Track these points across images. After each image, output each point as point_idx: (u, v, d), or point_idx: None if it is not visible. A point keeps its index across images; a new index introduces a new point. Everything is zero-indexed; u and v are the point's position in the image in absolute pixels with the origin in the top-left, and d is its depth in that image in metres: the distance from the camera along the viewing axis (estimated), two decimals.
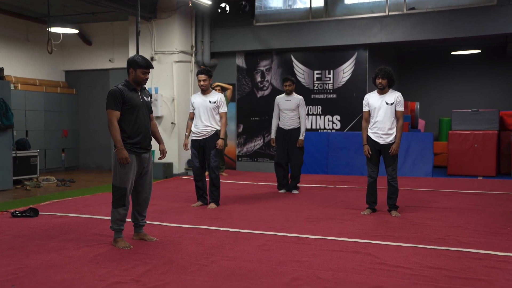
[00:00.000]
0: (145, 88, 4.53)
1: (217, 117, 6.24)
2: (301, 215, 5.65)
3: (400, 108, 5.70)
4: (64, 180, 9.20)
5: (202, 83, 6.19)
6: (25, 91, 10.70)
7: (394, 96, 5.70)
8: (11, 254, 4.02)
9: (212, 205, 6.20)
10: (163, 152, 4.79)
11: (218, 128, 6.23)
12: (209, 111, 6.18)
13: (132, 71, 4.29)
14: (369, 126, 5.83)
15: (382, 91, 5.74)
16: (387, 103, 5.66)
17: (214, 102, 6.20)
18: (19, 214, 5.46)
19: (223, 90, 9.51)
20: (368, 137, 5.82)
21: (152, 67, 4.40)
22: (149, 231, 4.76)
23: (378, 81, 5.70)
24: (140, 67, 4.27)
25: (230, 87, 9.66)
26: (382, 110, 5.67)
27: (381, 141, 5.73)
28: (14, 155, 8.64)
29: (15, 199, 7.24)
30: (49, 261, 3.81)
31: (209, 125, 6.17)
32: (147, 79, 4.37)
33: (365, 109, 5.90)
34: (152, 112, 4.56)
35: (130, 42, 10.37)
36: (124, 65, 11.02)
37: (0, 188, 8.10)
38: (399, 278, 3.36)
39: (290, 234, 4.67)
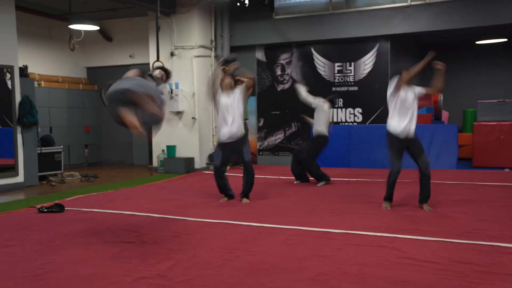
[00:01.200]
0: None
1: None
2: (324, 209, 5.61)
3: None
4: (87, 175, 9.32)
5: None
6: (49, 88, 10.85)
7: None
8: (39, 249, 4.08)
9: (246, 200, 6.18)
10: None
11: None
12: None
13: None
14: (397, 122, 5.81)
15: None
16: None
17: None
18: (45, 210, 5.54)
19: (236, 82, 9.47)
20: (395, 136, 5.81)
21: None
22: (173, 226, 4.78)
23: None
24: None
25: (249, 78, 9.54)
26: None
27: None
28: (39, 151, 8.78)
29: (40, 195, 7.36)
30: (75, 256, 3.86)
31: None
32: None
33: None
34: None
35: (150, 38, 10.41)
36: (145, 60, 11.08)
37: (27, 183, 8.24)
38: (427, 273, 3.30)
39: (314, 229, 4.63)
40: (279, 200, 6.29)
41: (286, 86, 10.94)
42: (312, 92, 10.69)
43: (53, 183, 8.48)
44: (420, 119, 10.07)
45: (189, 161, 10.06)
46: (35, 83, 10.38)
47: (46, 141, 9.42)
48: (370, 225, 4.74)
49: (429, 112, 10.42)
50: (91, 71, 12.48)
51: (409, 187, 7.15)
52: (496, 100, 10.00)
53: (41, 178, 8.83)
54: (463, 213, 5.26)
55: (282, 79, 10.99)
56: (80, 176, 9.28)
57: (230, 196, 6.37)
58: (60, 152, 9.49)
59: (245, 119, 9.84)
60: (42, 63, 11.13)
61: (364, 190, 6.96)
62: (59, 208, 5.55)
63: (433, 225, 4.70)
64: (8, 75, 8.04)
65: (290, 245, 4.09)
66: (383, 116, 10.15)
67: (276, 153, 11.06)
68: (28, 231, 4.71)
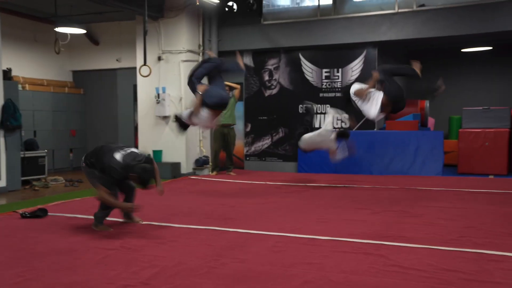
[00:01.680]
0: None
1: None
2: (311, 216, 5.58)
3: None
4: (72, 180, 9.19)
5: None
6: (33, 92, 10.71)
7: None
8: (20, 255, 3.99)
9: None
10: (159, 193, 5.08)
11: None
12: None
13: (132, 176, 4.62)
14: None
15: None
16: None
17: None
18: (28, 215, 5.43)
19: (230, 89, 9.47)
20: None
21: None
22: (158, 233, 4.72)
23: None
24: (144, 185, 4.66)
25: (238, 86, 9.61)
26: None
27: None
28: (22, 155, 8.64)
29: (23, 200, 7.23)
30: (57, 263, 3.77)
31: None
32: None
33: None
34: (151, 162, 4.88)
35: (138, 42, 10.33)
36: (131, 64, 11.00)
37: (9, 188, 8.10)
38: (413, 281, 3.28)
39: (301, 235, 4.60)
40: (266, 206, 6.25)
41: (274, 91, 10.93)
42: (299, 97, 10.71)
43: (36, 188, 8.35)
44: (406, 126, 10.18)
45: (176, 166, 9.98)
46: (19, 86, 10.24)
47: (29, 145, 9.28)
48: (357, 232, 4.71)
49: (415, 119, 10.48)
50: (77, 75, 12.35)
51: (396, 193, 7.17)
52: (481, 108, 10.09)
53: (24, 182, 8.69)
54: (450, 220, 5.27)
55: (269, 84, 10.98)
56: (64, 181, 9.15)
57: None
58: (44, 156, 9.36)
59: (233, 124, 9.81)
60: (27, 66, 10.99)
61: (351, 197, 6.95)
62: (42, 212, 5.45)
63: (420, 232, 4.69)
64: None
65: (277, 252, 4.05)
66: (371, 122, 10.18)
67: (263, 159, 11.03)
68: (9, 237, 4.60)
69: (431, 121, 12.06)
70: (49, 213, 5.60)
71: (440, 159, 9.57)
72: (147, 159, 4.78)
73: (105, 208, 4.85)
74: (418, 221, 5.24)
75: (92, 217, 5.51)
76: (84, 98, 12.19)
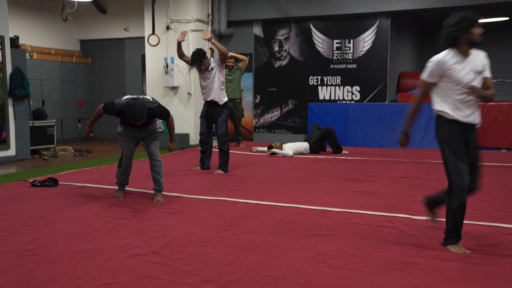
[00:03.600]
0: (155, 123, 4.83)
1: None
2: (322, 188, 5.53)
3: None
4: (81, 150, 9.18)
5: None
6: (41, 61, 10.62)
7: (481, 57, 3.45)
8: (31, 223, 3.98)
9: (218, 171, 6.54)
10: (168, 149, 5.05)
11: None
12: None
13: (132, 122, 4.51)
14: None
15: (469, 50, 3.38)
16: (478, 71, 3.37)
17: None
18: (38, 184, 5.42)
19: (236, 61, 9.36)
20: (453, 121, 3.33)
21: (139, 121, 4.42)
22: (168, 203, 4.70)
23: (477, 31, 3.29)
24: (129, 124, 4.64)
25: (245, 58, 9.44)
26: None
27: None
28: (31, 124, 8.61)
29: (33, 169, 7.23)
30: (68, 231, 3.76)
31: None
32: (138, 125, 4.62)
33: (432, 79, 3.41)
34: (167, 117, 4.82)
35: (146, 11, 10.15)
36: (140, 34, 10.85)
37: (19, 157, 8.10)
38: (428, 255, 3.22)
39: (312, 207, 4.55)
40: (276, 178, 6.20)
41: (284, 62, 10.77)
42: (310, 69, 10.54)
43: (45, 157, 8.34)
44: None
45: (184, 137, 9.93)
46: (27, 54, 10.15)
47: (38, 114, 9.24)
48: (369, 204, 4.66)
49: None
50: (84, 44, 12.22)
51: (407, 166, 7.09)
52: (495, 80, 9.88)
53: (33, 152, 8.69)
54: None
55: (279, 55, 10.80)
56: (73, 151, 9.14)
57: (204, 165, 6.82)
58: (52, 126, 9.33)
59: (239, 98, 9.65)
60: (34, 35, 10.86)
61: (362, 169, 6.88)
62: (53, 182, 5.43)
63: None
64: None
65: (288, 223, 4.01)
66: (382, 94, 10.04)
67: (272, 131, 10.94)
68: (20, 205, 4.59)
69: None
70: (59, 183, 5.57)
71: None
72: (160, 107, 4.69)
73: (120, 165, 4.90)
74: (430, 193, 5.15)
75: (100, 186, 5.50)
76: (92, 68, 12.09)
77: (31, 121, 8.64)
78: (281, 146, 8.58)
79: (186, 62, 6.63)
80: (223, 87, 6.56)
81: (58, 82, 11.09)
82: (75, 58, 11.67)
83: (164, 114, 4.74)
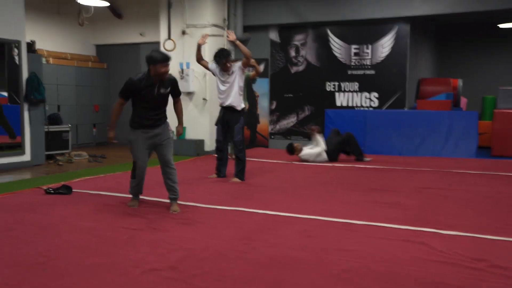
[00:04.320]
0: (169, 77, 4.61)
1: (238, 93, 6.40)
2: (342, 198, 5.34)
3: None
4: (95, 155, 9.10)
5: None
6: (57, 65, 10.60)
7: None
8: (43, 233, 3.86)
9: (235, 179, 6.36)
10: (177, 133, 4.98)
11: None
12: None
13: (152, 67, 4.39)
14: None
15: None
16: None
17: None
18: (52, 191, 5.32)
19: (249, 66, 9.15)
20: None
21: (170, 59, 4.46)
22: (184, 213, 4.56)
23: None
24: (158, 62, 4.37)
25: (259, 68, 9.03)
26: None
27: None
28: (46, 129, 8.56)
29: (47, 174, 7.15)
30: (81, 242, 3.63)
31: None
32: (167, 71, 4.48)
33: None
34: (179, 95, 4.79)
35: (161, 15, 10.08)
36: (155, 39, 10.76)
37: (33, 162, 8.04)
38: (461, 273, 3.02)
39: (333, 219, 4.37)
40: (294, 187, 6.03)
41: (300, 68, 10.61)
42: (327, 75, 10.36)
43: (60, 163, 8.28)
44: (438, 105, 9.78)
45: (199, 143, 9.81)
46: (43, 59, 10.14)
47: (53, 119, 9.19)
48: (393, 216, 4.47)
49: (448, 98, 10.06)
50: (100, 49, 12.19)
51: (429, 175, 6.86)
52: None
53: (48, 157, 8.63)
54: (491, 204, 4.97)
55: (296, 61, 10.65)
56: (88, 156, 9.07)
57: (220, 173, 6.64)
58: (67, 131, 9.27)
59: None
60: (51, 39, 10.85)
61: (382, 178, 6.68)
62: (66, 189, 5.33)
63: (460, 218, 4.42)
64: (16, 51, 7.79)
65: (309, 236, 3.84)
66: (401, 101, 9.82)
67: (288, 137, 10.77)
68: (33, 214, 4.49)
69: (463, 101, 11.61)
70: (73, 190, 5.47)
71: (474, 140, 9.19)
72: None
73: (133, 176, 4.74)
74: (456, 205, 4.95)
75: (115, 194, 5.39)
76: (108, 73, 12.05)
77: (46, 126, 8.59)
78: (301, 151, 8.41)
79: (204, 66, 6.50)
80: (241, 93, 6.40)
81: (73, 87, 11.07)
82: (90, 63, 11.64)
83: (179, 90, 4.78)
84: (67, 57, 11.07)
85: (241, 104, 6.37)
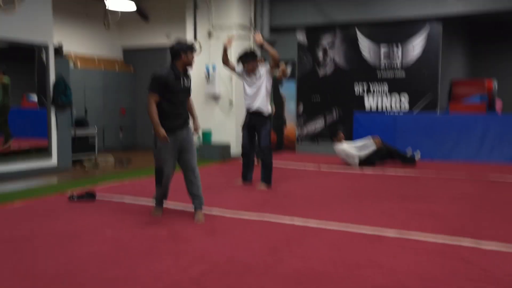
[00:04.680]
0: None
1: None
2: (372, 207, 5.11)
3: None
4: (121, 160, 9.07)
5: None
6: (84, 69, 10.64)
7: None
8: (64, 243, 3.77)
9: (261, 186, 6.17)
10: (196, 128, 4.72)
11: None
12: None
13: (184, 56, 4.34)
14: None
15: None
16: None
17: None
18: (75, 198, 5.25)
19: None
20: None
21: (195, 50, 4.52)
22: (208, 222, 4.41)
23: None
24: (190, 49, 4.37)
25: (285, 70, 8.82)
26: None
27: None
28: (73, 133, 8.57)
29: (73, 179, 7.13)
30: (102, 253, 3.52)
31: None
32: (191, 64, 4.49)
33: None
34: (190, 94, 4.62)
35: (187, 17, 10.01)
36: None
37: (60, 167, 8.04)
38: None
39: (364, 230, 4.15)
40: (322, 194, 5.82)
41: (328, 70, 10.37)
42: (355, 77, 10.10)
43: (86, 168, 8.27)
44: (472, 108, 9.40)
45: (225, 148, 9.68)
46: (71, 63, 10.19)
47: (80, 123, 9.21)
48: (428, 228, 4.22)
49: (482, 101, 9.67)
50: (127, 52, 12.21)
51: (465, 182, 6.54)
52: None
53: (75, 161, 8.63)
54: None
55: (324, 62, 10.42)
56: (114, 160, 9.04)
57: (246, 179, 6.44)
58: (94, 135, 9.27)
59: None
60: (78, 42, 10.90)
61: (414, 185, 6.40)
62: (90, 196, 5.26)
63: (502, 230, 4.13)
64: (44, 54, 7.81)
65: (339, 249, 3.64)
66: (432, 103, 9.49)
67: (316, 141, 10.54)
68: (55, 222, 4.41)
69: (498, 103, 11.16)
70: (97, 196, 5.40)
71: (511, 145, 8.78)
72: None
73: (158, 182, 4.56)
74: (497, 216, 4.67)
75: (139, 202, 5.29)
76: (134, 76, 12.06)
77: (73, 130, 8.59)
78: (341, 142, 8.29)
79: (231, 69, 6.36)
80: (269, 97, 6.22)
81: (100, 91, 11.10)
82: (117, 67, 11.67)
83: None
84: (94, 61, 11.11)
85: (268, 108, 6.20)
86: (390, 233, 4.05)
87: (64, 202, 5.26)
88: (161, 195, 4.68)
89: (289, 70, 10.43)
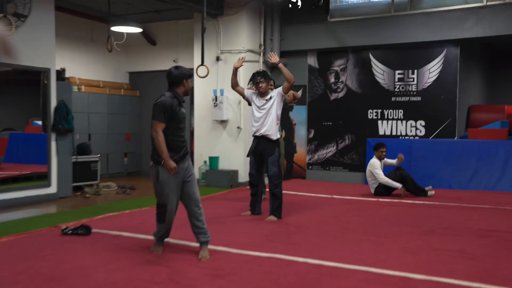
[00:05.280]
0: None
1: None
2: (394, 243, 4.65)
3: None
4: (124, 187, 8.70)
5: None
6: (89, 93, 10.38)
7: None
8: (51, 286, 3.35)
9: (271, 217, 5.73)
10: None
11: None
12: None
13: (186, 82, 4.18)
14: None
15: None
16: None
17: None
18: (69, 232, 4.85)
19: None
20: None
21: (192, 76, 4.37)
22: (213, 260, 3.97)
23: None
24: (191, 76, 4.24)
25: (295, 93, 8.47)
26: None
27: None
28: (74, 160, 8.22)
29: (73, 208, 6.75)
30: None
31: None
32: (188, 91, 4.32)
33: None
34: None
35: (195, 41, 9.74)
36: (189, 65, 10.40)
37: (60, 195, 7.68)
38: None
39: (388, 271, 3.69)
40: (338, 227, 5.37)
41: (340, 94, 10.01)
42: (369, 102, 9.72)
43: (87, 195, 7.89)
44: (492, 134, 8.95)
45: (233, 174, 9.28)
46: (75, 87, 9.94)
47: (82, 149, 8.86)
48: (459, 270, 3.75)
49: (503, 127, 9.21)
50: (133, 76, 11.97)
51: (490, 214, 6.06)
52: None
53: (76, 188, 8.27)
54: None
55: (335, 87, 10.07)
56: (116, 188, 8.67)
57: (255, 210, 6.01)
58: (96, 161, 8.92)
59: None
60: (84, 67, 10.68)
61: (436, 217, 5.93)
62: (85, 230, 4.84)
63: None
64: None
65: None
66: (450, 129, 9.06)
67: (327, 168, 10.11)
68: (44, 261, 3.97)
69: None
70: (93, 230, 4.98)
71: None
72: None
73: (161, 220, 4.16)
74: None
75: (137, 235, 4.88)
76: (140, 101, 11.78)
77: (74, 157, 8.25)
78: (380, 157, 7.78)
79: (239, 93, 6.00)
80: (278, 122, 5.83)
81: (105, 115, 10.81)
82: (123, 91, 11.41)
83: None
84: (100, 85, 10.85)
85: (277, 134, 5.80)
86: (418, 275, 3.59)
87: (57, 236, 4.84)
88: (163, 233, 4.28)
89: (299, 93, 10.08)
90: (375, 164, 7.63)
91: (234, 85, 5.95)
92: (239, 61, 5.85)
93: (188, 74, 4.19)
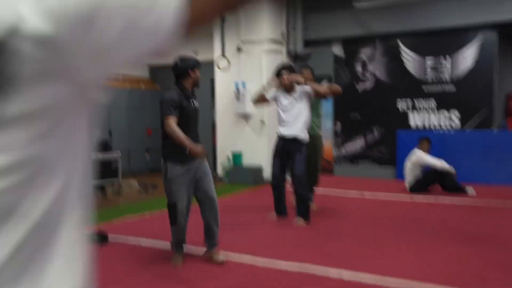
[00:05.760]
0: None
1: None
2: (438, 252, 4.21)
3: None
4: (146, 185, 8.43)
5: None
6: (109, 88, 10.12)
7: None
8: None
9: (299, 221, 5.31)
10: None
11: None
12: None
13: (192, 73, 3.97)
14: None
15: None
16: None
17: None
18: None
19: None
20: None
21: (199, 67, 4.14)
22: (236, 273, 3.63)
23: None
24: (197, 65, 4.04)
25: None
26: None
27: None
28: (94, 157, 7.97)
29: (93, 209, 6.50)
30: None
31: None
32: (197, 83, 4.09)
33: None
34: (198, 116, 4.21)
35: (215, 31, 9.37)
36: (209, 57, 10.03)
37: None
38: None
39: (437, 286, 3.30)
40: (373, 233, 4.96)
41: (368, 85, 9.52)
42: (398, 92, 9.23)
43: (108, 195, 7.66)
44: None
45: (257, 171, 8.92)
46: None
47: (103, 146, 8.63)
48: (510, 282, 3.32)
49: None
50: (153, 70, 11.69)
51: None
52: None
53: (97, 187, 8.04)
54: None
55: (363, 77, 9.58)
56: (138, 186, 8.41)
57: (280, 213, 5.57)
58: (117, 159, 8.66)
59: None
60: None
61: (479, 221, 5.46)
62: (101, 239, 4.55)
63: None
64: None
65: None
66: (487, 120, 8.50)
67: (355, 162, 9.66)
68: None
69: None
70: (110, 236, 4.69)
71: None
72: None
73: (173, 222, 3.89)
74: None
75: (157, 244, 4.56)
76: (160, 95, 11.49)
77: (94, 155, 8.00)
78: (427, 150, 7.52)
79: (264, 103, 5.66)
80: (308, 122, 5.41)
81: (125, 111, 10.56)
82: (143, 85, 11.14)
83: None
84: (120, 79, 10.59)
85: (306, 135, 5.36)
86: None
87: None
88: (179, 238, 3.98)
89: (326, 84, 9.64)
90: (421, 153, 7.28)
91: (259, 101, 5.59)
92: (272, 81, 5.47)
93: (193, 64, 3.99)
